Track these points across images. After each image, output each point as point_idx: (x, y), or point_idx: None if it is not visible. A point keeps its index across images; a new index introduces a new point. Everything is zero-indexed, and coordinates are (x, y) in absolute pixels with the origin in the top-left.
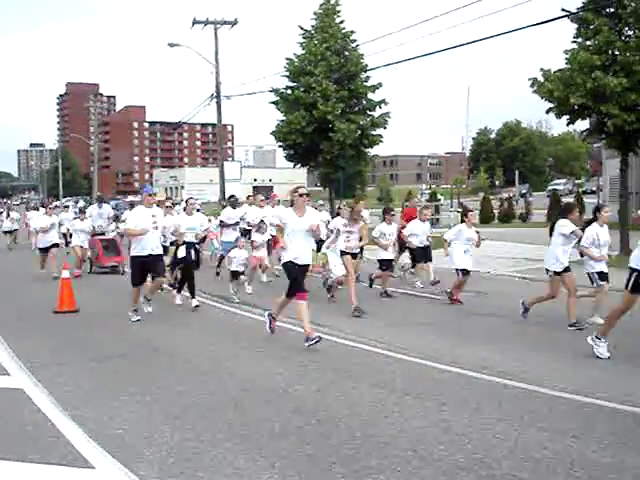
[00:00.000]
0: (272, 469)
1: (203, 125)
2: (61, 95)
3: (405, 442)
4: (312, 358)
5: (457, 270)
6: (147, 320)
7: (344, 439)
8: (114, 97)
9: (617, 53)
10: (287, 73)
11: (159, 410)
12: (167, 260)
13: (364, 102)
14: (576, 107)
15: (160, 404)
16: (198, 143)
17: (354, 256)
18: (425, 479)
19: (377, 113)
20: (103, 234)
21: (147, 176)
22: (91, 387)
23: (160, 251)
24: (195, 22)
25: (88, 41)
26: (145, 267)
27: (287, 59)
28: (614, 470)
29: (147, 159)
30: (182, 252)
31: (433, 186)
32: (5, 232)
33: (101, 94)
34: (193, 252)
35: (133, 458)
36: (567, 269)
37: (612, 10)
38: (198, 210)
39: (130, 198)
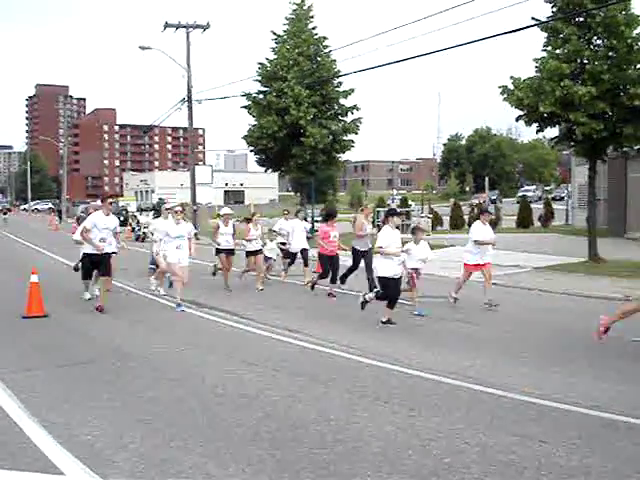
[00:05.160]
0: (243, 474)
1: (174, 129)
2: (30, 97)
3: (375, 447)
4: (283, 364)
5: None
6: (116, 325)
7: (314, 444)
8: (84, 99)
9: (586, 62)
10: (259, 78)
11: (129, 416)
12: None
13: (336, 107)
14: (545, 115)
15: (130, 410)
16: (169, 147)
17: None
18: None
19: (349, 118)
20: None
21: (117, 180)
22: (60, 393)
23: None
24: (167, 25)
25: (58, 43)
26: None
27: (259, 64)
28: (581, 473)
29: (117, 162)
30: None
31: (403, 192)
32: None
33: (71, 96)
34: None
35: (103, 464)
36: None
37: (581, 19)
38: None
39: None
